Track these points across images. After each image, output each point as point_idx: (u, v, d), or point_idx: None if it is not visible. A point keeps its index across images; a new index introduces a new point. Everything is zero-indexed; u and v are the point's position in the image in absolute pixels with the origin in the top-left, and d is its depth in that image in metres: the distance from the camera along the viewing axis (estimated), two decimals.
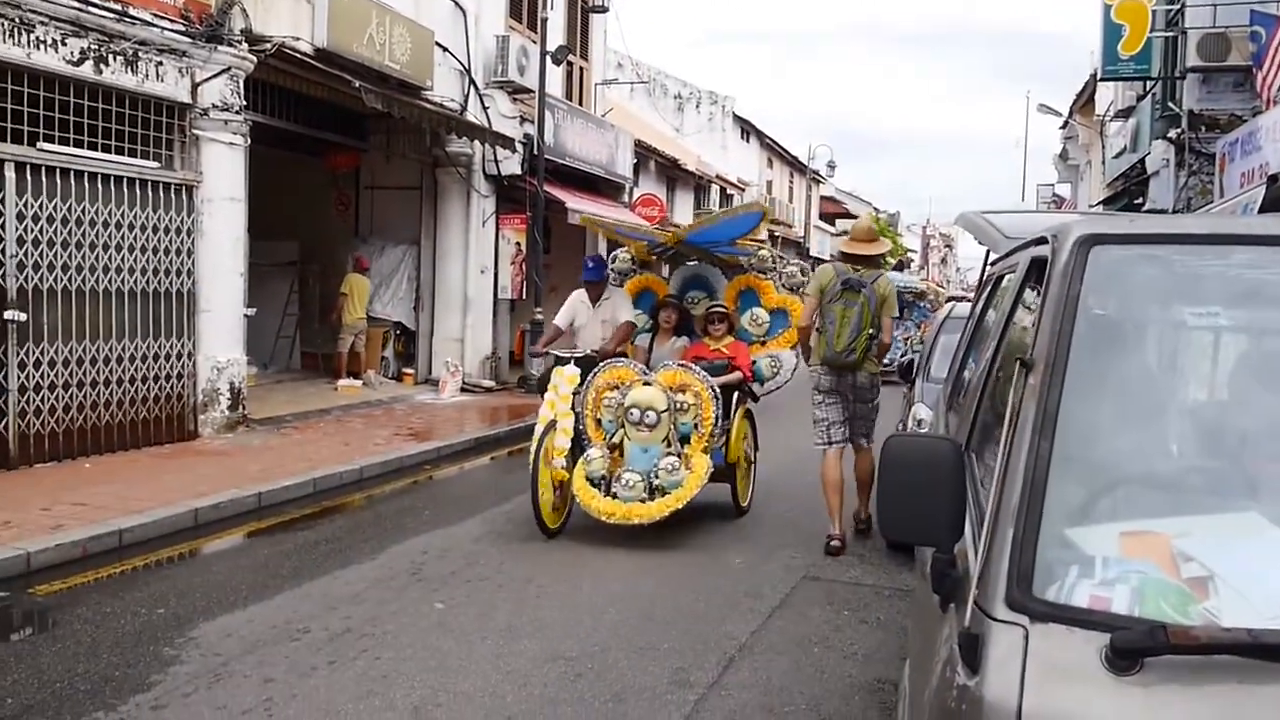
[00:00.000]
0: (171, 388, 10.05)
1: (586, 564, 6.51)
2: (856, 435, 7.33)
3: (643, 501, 6.86)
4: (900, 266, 33.98)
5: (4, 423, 8.47)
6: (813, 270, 8.46)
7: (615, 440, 7.29)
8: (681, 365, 7.46)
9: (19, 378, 8.59)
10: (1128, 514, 1.95)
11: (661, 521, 6.96)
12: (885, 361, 7.48)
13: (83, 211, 9.06)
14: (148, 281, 9.74)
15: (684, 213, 29.00)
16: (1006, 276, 3.59)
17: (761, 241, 9.05)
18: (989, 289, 4.37)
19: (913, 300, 20.07)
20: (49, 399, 8.81)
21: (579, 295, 8.42)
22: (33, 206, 8.62)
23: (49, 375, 8.82)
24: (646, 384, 7.27)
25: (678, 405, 7.21)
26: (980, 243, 4.55)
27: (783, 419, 10.62)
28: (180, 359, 10.12)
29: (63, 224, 8.90)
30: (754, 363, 8.15)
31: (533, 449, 7.12)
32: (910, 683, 2.84)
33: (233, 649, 4.92)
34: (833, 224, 51.05)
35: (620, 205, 21.08)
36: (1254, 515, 1.90)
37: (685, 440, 7.28)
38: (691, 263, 8.85)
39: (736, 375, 7.86)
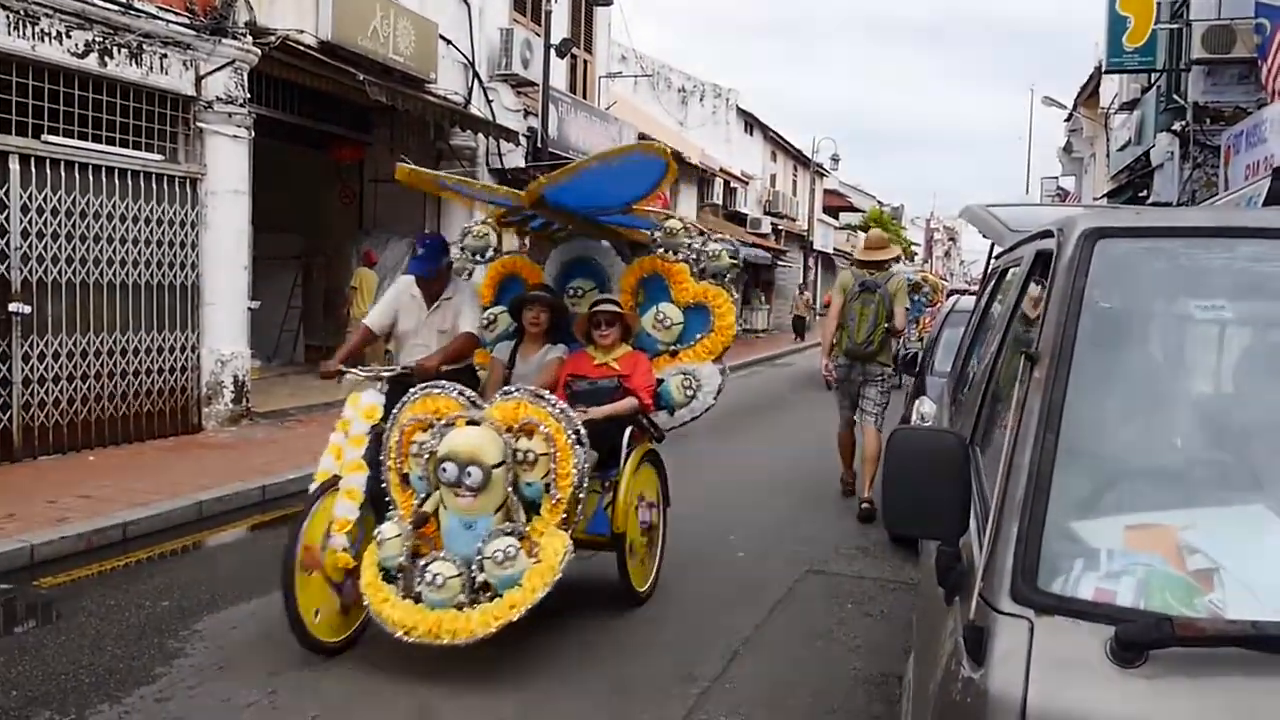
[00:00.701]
0: (175, 381, 10.06)
1: (592, 557, 6.51)
2: (865, 416, 8.09)
3: (459, 608, 4.46)
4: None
5: (8, 415, 8.49)
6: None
7: (429, 508, 4.80)
8: (530, 394, 4.88)
9: (23, 370, 8.60)
10: (1133, 507, 1.95)
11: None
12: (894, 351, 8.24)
13: (87, 204, 9.07)
14: (152, 274, 9.75)
15: (687, 207, 28.98)
16: (1011, 270, 3.59)
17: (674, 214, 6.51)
18: (993, 282, 4.37)
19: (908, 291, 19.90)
20: (53, 391, 8.83)
21: (406, 285, 5.87)
22: (37, 199, 8.62)
23: (53, 368, 8.83)
24: (473, 423, 4.77)
25: (518, 456, 4.72)
26: (985, 236, 4.55)
27: (790, 411, 10.65)
28: (184, 352, 10.13)
29: (67, 216, 8.90)
30: (659, 383, 5.80)
31: (294, 522, 4.78)
32: (915, 676, 2.84)
33: (237, 642, 4.93)
34: (836, 217, 51.03)
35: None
36: (1259, 508, 1.91)
37: (534, 508, 4.82)
38: (575, 240, 6.45)
39: (630, 402, 5.50)
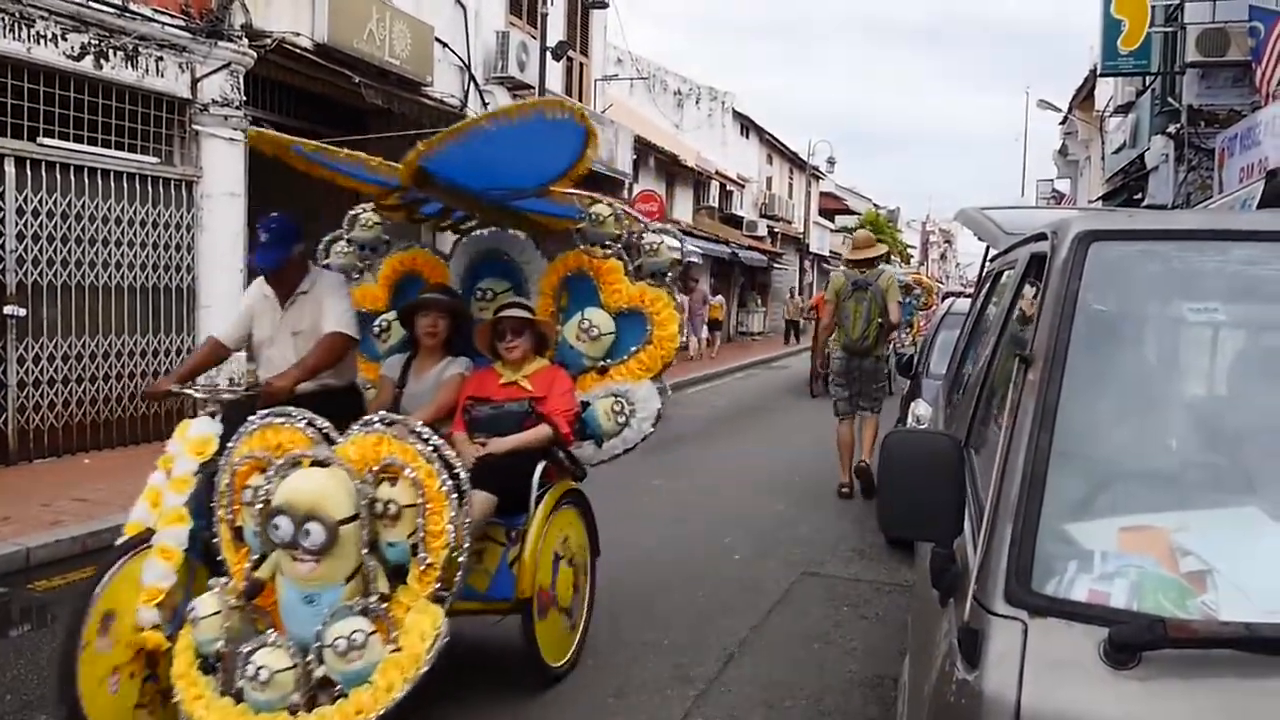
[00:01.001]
0: None
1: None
2: (864, 408, 8.73)
3: (292, 711, 3.40)
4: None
5: (3, 418, 8.48)
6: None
7: (263, 573, 3.66)
8: (397, 426, 3.75)
9: (18, 373, 8.59)
10: (1126, 509, 1.95)
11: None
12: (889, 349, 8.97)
13: (82, 206, 9.06)
14: (147, 277, 9.74)
15: (683, 209, 29.01)
16: (1006, 273, 3.60)
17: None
18: (988, 285, 4.38)
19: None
20: (49, 394, 8.81)
21: (260, 284, 4.82)
22: (32, 201, 8.62)
23: (49, 371, 8.82)
24: (319, 464, 3.65)
25: (377, 508, 3.60)
26: (980, 239, 4.57)
27: (786, 413, 10.65)
28: (180, 354, 10.11)
29: (62, 219, 8.90)
30: (583, 406, 4.81)
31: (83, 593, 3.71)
32: (910, 677, 2.85)
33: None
34: (832, 220, 51.07)
35: (619, 202, 21.06)
36: (1253, 510, 1.91)
37: (400, 576, 3.66)
38: (487, 231, 5.44)
39: (541, 432, 4.52)
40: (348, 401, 4.56)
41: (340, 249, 5.38)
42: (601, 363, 4.94)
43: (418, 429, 3.76)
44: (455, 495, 3.65)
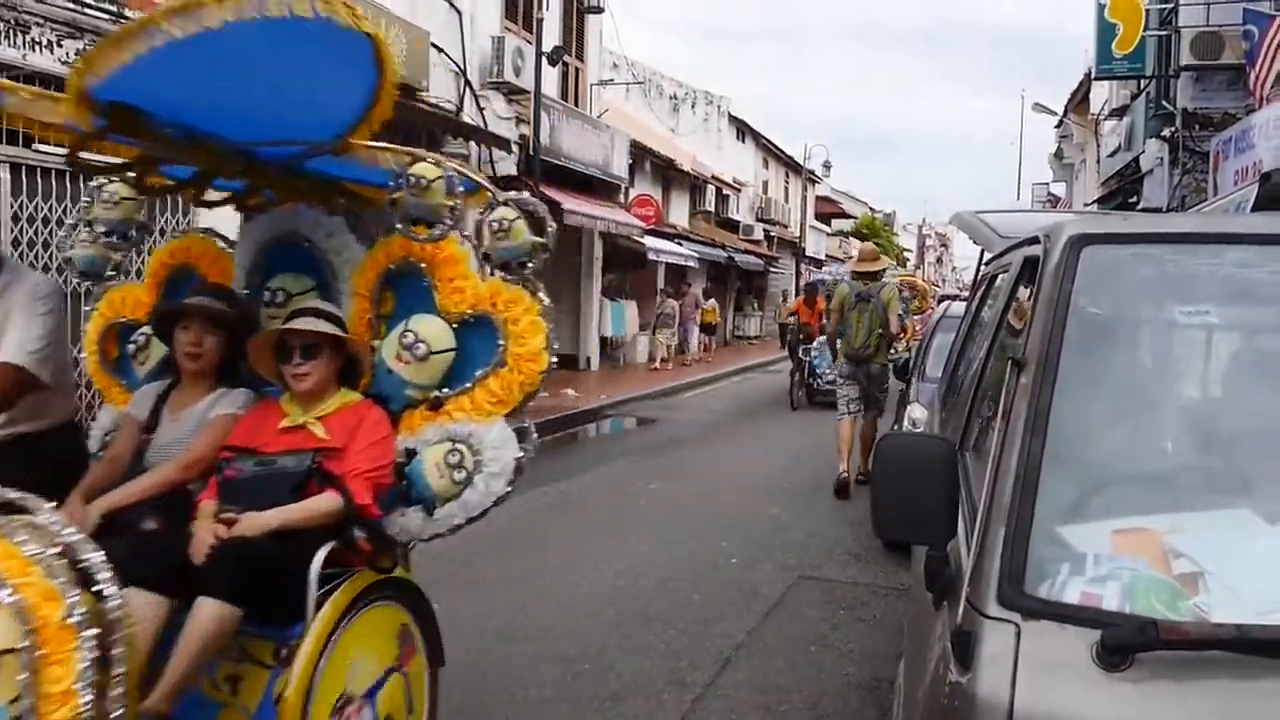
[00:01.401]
0: None
1: (584, 564, 6.52)
2: (869, 409, 9.22)
3: None
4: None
5: None
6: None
7: None
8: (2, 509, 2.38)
9: None
10: (1119, 511, 1.96)
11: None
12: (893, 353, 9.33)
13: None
14: None
15: (680, 213, 29.04)
16: (1000, 276, 3.61)
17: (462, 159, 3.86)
18: (983, 288, 4.40)
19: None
20: None
21: None
22: (28, 208, 8.61)
23: None
24: None
25: None
26: (975, 242, 4.57)
27: (783, 417, 10.67)
28: None
29: (59, 225, 8.88)
30: (407, 457, 3.36)
31: None
32: (905, 680, 2.85)
33: None
34: (828, 224, 51.10)
35: (616, 205, 21.09)
36: (1245, 512, 1.92)
37: None
38: (283, 211, 3.86)
39: (323, 503, 3.09)
40: (54, 453, 3.43)
41: (84, 237, 3.93)
42: (435, 394, 3.43)
43: (42, 514, 2.38)
44: (92, 633, 2.23)
